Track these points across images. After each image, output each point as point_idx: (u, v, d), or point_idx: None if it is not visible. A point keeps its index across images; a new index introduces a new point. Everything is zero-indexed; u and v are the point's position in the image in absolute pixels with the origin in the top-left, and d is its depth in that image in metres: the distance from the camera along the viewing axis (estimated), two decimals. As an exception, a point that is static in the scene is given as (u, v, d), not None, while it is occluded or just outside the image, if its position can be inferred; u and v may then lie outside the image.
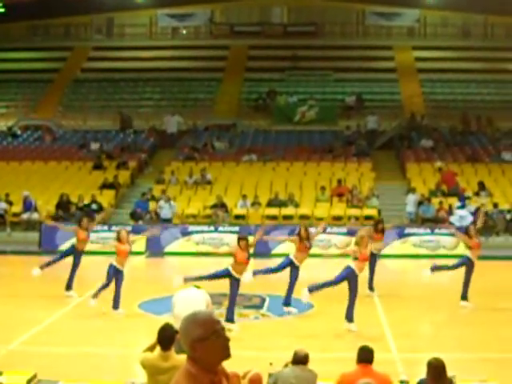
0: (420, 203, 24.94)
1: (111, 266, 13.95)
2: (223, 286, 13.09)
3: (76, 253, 15.91)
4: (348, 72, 36.13)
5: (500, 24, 37.99)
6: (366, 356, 7.40)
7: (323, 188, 26.01)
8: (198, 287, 9.36)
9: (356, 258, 13.04)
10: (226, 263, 13.02)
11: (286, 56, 37.15)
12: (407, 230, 23.02)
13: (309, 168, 28.47)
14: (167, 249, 23.00)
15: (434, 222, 24.06)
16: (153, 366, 6.60)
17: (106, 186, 26.82)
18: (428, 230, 23.06)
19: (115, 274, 13.88)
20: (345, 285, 12.77)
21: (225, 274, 12.84)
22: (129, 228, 22.71)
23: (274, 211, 25.16)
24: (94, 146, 30.40)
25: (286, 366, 7.65)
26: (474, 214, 23.90)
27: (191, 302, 8.74)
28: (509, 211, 24.56)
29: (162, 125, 32.32)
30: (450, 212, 24.38)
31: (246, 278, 13.52)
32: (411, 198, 25.19)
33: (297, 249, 14.54)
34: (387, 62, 37.00)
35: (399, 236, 22.68)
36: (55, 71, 37.44)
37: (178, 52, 38.14)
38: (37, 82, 36.53)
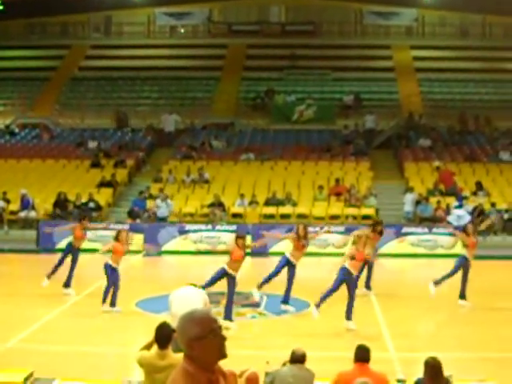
0: (418, 202, 24.95)
1: (106, 265, 13.96)
2: (220, 284, 13.08)
3: (73, 250, 15.95)
4: (346, 71, 36.15)
5: (498, 24, 38.02)
6: (363, 355, 7.41)
7: (321, 187, 26.02)
8: (195, 286, 9.35)
9: (353, 258, 13.02)
10: (223, 262, 13.03)
11: (284, 55, 37.15)
12: (405, 230, 23.02)
13: (307, 167, 28.47)
14: (164, 247, 22.99)
15: (432, 221, 24.07)
16: (150, 365, 6.59)
17: (103, 184, 26.81)
18: (426, 230, 23.06)
19: (112, 273, 13.89)
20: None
21: (222, 273, 12.87)
22: (126, 226, 22.82)
23: (271, 210, 25.16)
24: (92, 144, 30.38)
25: (284, 364, 7.65)
26: (472, 213, 23.96)
27: (188, 300, 8.73)
28: (506, 211, 24.58)
29: (159, 123, 32.30)
30: (448, 211, 24.39)
31: (254, 295, 14.06)
32: (409, 198, 25.20)
33: (293, 247, 14.59)
34: (385, 61, 37.01)
35: (397, 235, 22.68)
36: (53, 69, 37.41)
37: (176, 51, 38.12)
38: (34, 80, 36.48)
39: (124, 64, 37.06)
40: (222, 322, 11.19)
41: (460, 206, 24.45)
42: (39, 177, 27.56)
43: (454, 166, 27.98)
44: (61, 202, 24.97)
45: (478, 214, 24.02)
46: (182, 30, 40.58)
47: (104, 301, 13.79)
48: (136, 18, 39.61)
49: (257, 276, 14.78)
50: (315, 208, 25.16)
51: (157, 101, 35.30)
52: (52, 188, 26.42)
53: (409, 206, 25.06)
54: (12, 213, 25.21)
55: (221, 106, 34.17)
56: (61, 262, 15.90)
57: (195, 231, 23.20)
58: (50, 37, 39.24)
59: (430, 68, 36.00)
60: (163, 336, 6.62)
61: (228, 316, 12.69)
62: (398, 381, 8.95)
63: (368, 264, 15.24)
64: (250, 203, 25.17)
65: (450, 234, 21.88)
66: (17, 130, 32.64)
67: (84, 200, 25.26)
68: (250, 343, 11.52)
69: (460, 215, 23.79)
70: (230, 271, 12.79)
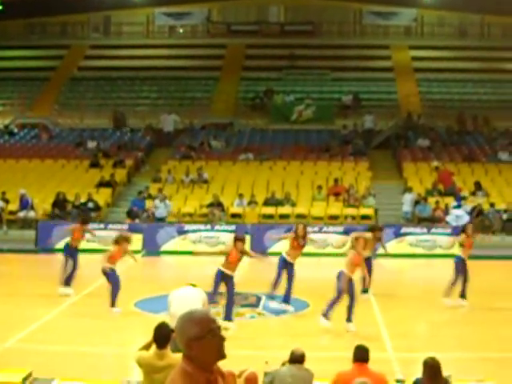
0: (416, 203, 24.95)
1: (104, 269, 13.91)
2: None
3: (71, 251, 15.93)
4: (345, 71, 36.17)
5: (496, 24, 38.06)
6: (361, 355, 7.41)
7: (320, 187, 26.02)
8: (194, 286, 9.34)
9: (352, 264, 12.96)
10: (219, 263, 12.97)
11: (283, 55, 37.17)
12: (404, 230, 23.01)
13: (305, 167, 28.47)
14: (163, 248, 22.98)
15: (431, 221, 24.07)
16: (148, 365, 6.60)
17: (102, 184, 26.80)
18: (424, 230, 23.06)
19: (111, 275, 13.86)
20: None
21: (219, 276, 12.82)
22: (125, 226, 22.83)
23: (270, 210, 25.16)
24: (91, 144, 30.37)
25: (283, 365, 7.66)
26: (471, 213, 23.97)
27: (187, 300, 8.73)
28: (505, 211, 24.58)
29: (158, 123, 32.30)
30: (447, 211, 24.39)
31: (270, 304, 14.29)
32: (408, 198, 25.20)
33: (290, 245, 14.62)
34: (384, 61, 37.03)
35: (396, 235, 22.68)
36: (52, 69, 37.41)
37: (175, 51, 38.13)
38: (33, 80, 36.48)
39: (123, 64, 37.07)
40: (220, 322, 11.19)
41: (459, 206, 24.45)
42: (38, 177, 27.55)
43: (452, 166, 27.99)
44: (60, 202, 24.96)
45: (477, 214, 24.03)
46: (181, 30, 40.60)
47: (113, 304, 13.75)
48: (135, 18, 39.63)
49: (257, 276, 14.77)
50: (314, 208, 25.16)
51: (156, 101, 35.30)
52: (51, 188, 26.40)
53: (407, 206, 25.06)
54: (11, 213, 25.18)
55: (220, 106, 34.17)
56: (74, 267, 15.73)
57: (194, 231, 23.19)
58: (49, 37, 39.27)
59: (429, 68, 36.03)
60: (162, 336, 6.62)
61: (228, 316, 12.68)
62: (397, 381, 8.95)
63: (366, 267, 15.18)
64: (249, 203, 25.17)
65: (449, 234, 21.91)
66: (16, 130, 32.62)
67: (83, 200, 25.24)
68: (248, 343, 11.52)
69: (459, 215, 23.79)
70: (227, 271, 12.78)
